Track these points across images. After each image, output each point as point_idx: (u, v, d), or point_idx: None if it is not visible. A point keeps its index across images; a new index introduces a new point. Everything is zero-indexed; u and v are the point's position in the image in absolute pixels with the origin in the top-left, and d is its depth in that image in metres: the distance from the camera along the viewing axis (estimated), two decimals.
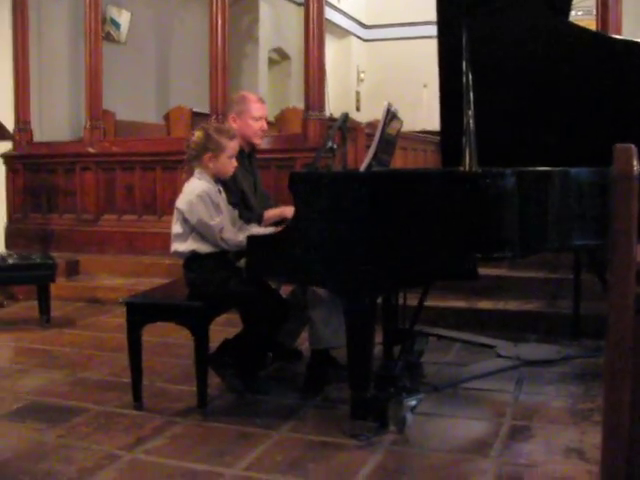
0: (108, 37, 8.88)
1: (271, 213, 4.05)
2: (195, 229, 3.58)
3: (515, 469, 2.88)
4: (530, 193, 3.16)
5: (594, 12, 6.21)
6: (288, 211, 3.82)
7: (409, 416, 3.32)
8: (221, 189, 3.73)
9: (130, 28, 9.38)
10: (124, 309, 3.70)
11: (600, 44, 3.94)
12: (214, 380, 3.79)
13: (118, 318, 5.20)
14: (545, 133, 3.96)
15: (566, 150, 3.76)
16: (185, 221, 3.60)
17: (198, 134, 3.69)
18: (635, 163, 1.30)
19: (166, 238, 3.88)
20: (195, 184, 3.64)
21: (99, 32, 7.62)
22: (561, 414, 3.49)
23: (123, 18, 9.30)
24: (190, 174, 3.72)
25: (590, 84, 3.88)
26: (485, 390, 3.86)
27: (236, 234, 3.57)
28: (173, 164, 6.75)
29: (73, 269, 6.94)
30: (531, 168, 3.27)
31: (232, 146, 3.69)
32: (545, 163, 3.34)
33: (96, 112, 7.53)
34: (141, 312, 3.68)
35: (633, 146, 1.32)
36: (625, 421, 1.32)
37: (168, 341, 4.85)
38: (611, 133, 3.32)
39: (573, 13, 4.47)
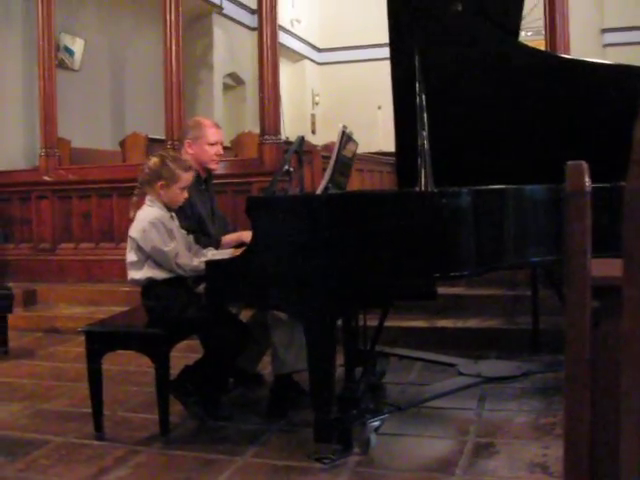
0: (62, 64, 8.83)
1: (229, 238, 4.04)
2: (150, 256, 3.56)
3: None
4: (486, 211, 3.19)
5: (543, 32, 6.31)
6: (246, 235, 3.81)
7: (373, 437, 3.31)
8: (174, 215, 3.71)
9: (84, 55, 9.35)
10: (83, 338, 3.65)
11: (551, 63, 4.00)
12: (176, 407, 3.76)
13: (77, 347, 5.14)
14: (500, 152, 4.00)
15: (521, 169, 3.80)
16: (139, 249, 3.57)
17: (155, 160, 3.67)
18: (587, 179, 1.32)
19: (124, 265, 3.84)
20: (147, 211, 3.62)
21: (52, 59, 7.58)
22: (524, 429, 3.51)
23: (77, 45, 9.27)
24: (141, 197, 3.69)
25: (542, 103, 3.93)
26: (448, 408, 3.87)
27: (191, 259, 3.55)
28: (129, 191, 6.62)
29: (30, 299, 6.85)
30: (486, 187, 3.30)
31: (186, 178, 3.67)
32: (501, 182, 3.37)
33: (51, 140, 7.48)
34: (100, 341, 3.64)
35: (584, 163, 1.34)
36: (586, 434, 1.33)
37: (129, 369, 4.80)
38: (564, 151, 3.38)
39: (523, 34, 4.53)
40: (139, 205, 3.70)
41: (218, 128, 4.16)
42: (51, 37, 7.50)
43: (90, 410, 3.64)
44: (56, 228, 7.36)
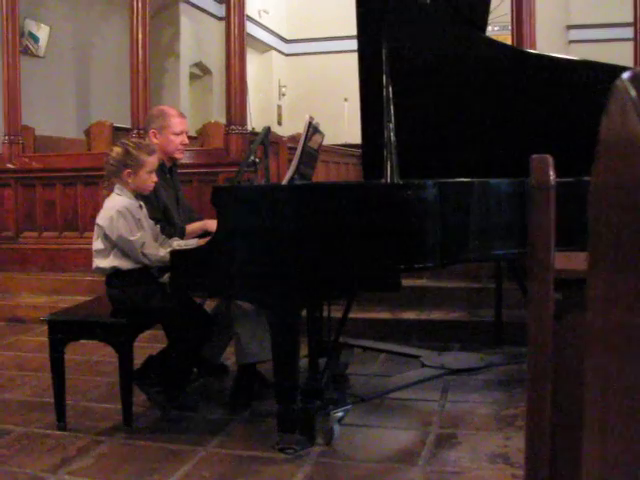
0: (26, 51, 8.71)
1: (193, 226, 4.01)
2: (116, 245, 3.53)
3: (442, 477, 2.91)
4: (451, 204, 3.20)
5: (510, 27, 6.35)
6: (210, 224, 3.81)
7: (336, 428, 3.32)
8: (142, 204, 3.68)
9: (49, 42, 9.23)
10: (46, 327, 3.61)
11: (517, 58, 4.03)
12: (139, 397, 3.74)
13: (40, 337, 5.09)
14: (465, 145, 4.02)
15: (488, 163, 3.82)
16: (106, 237, 3.54)
17: (117, 150, 3.64)
18: (551, 173, 1.32)
19: (88, 255, 3.81)
20: (115, 200, 3.59)
21: (17, 46, 7.47)
22: (486, 421, 3.53)
23: (42, 32, 9.15)
24: (110, 190, 3.66)
25: (508, 98, 3.96)
26: (411, 400, 3.89)
27: (158, 249, 3.53)
28: (94, 180, 6.65)
29: None
30: (452, 179, 3.31)
31: (151, 161, 3.65)
32: (466, 175, 3.39)
33: (15, 127, 7.38)
34: (63, 330, 3.60)
35: (549, 156, 1.34)
36: (547, 426, 1.34)
37: (92, 359, 4.76)
38: (529, 144, 3.40)
39: (490, 29, 4.55)
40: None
41: (183, 117, 4.13)
42: (15, 23, 7.39)
43: (52, 400, 3.60)
44: (19, 216, 7.27)
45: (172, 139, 4.03)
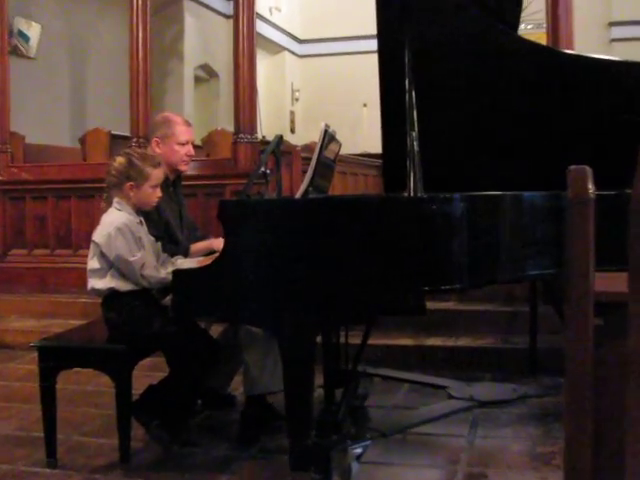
0: (16, 51, 8.79)
1: (199, 246, 4.03)
2: (114, 265, 3.54)
3: None
4: (480, 220, 3.19)
5: (544, 25, 6.35)
6: (217, 243, 3.81)
7: (355, 465, 3.31)
8: (142, 220, 3.69)
9: (40, 42, 9.31)
10: (36, 354, 3.62)
11: (552, 59, 4.02)
12: (138, 431, 3.73)
13: (29, 365, 5.10)
14: (496, 155, 4.01)
15: (520, 175, 3.81)
16: (102, 256, 3.55)
17: (119, 160, 3.66)
18: (590, 186, 1.32)
19: (82, 274, 3.82)
20: (114, 215, 3.60)
21: (5, 46, 7.54)
22: (520, 458, 3.51)
23: (32, 31, 9.24)
24: (109, 204, 3.67)
25: (542, 103, 3.95)
26: (437, 435, 3.87)
27: (158, 270, 3.54)
28: (90, 192, 6.69)
29: None
30: (481, 193, 3.30)
31: (156, 175, 3.66)
32: (498, 188, 3.38)
33: (3, 134, 7.44)
34: (55, 357, 3.61)
35: (588, 168, 1.34)
36: (587, 465, 1.33)
37: (86, 389, 4.77)
38: (566, 154, 3.39)
39: (522, 26, 4.55)
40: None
41: (189, 126, 4.15)
42: (4, 21, 7.47)
43: (42, 434, 3.61)
44: (7, 232, 7.31)
45: (176, 149, 4.04)
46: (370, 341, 4.02)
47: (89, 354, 3.62)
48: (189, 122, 4.20)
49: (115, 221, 3.55)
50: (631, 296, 0.91)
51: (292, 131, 14.66)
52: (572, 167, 1.35)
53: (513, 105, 3.97)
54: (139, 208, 3.68)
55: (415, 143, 3.21)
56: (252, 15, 6.70)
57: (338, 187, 7.27)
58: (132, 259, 3.49)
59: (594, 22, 12.05)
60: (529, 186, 3.43)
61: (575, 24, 6.20)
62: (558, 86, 3.93)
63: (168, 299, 3.47)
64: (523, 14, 4.23)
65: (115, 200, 3.64)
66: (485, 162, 3.99)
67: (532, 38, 4.28)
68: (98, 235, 3.58)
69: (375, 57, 3.88)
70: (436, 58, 3.83)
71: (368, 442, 3.53)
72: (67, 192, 7.11)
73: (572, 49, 5.89)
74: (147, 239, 3.65)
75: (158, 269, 3.55)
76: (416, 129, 3.23)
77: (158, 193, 3.69)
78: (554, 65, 3.95)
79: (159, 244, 3.75)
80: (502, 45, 3.92)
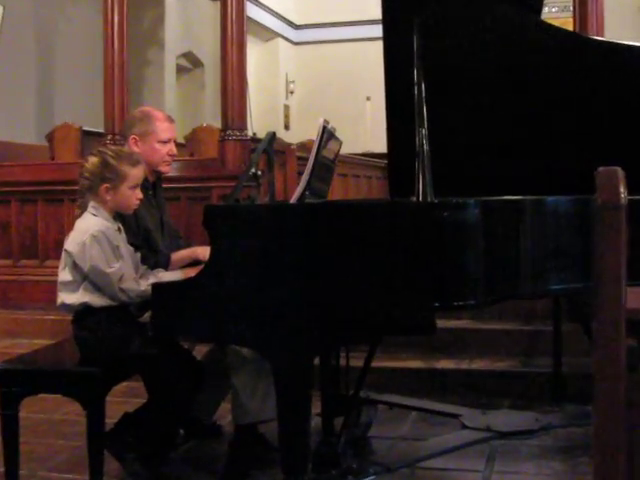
0: None
1: (181, 254, 4.02)
2: (88, 277, 3.54)
3: None
4: (498, 228, 3.19)
5: (571, 9, 6.35)
6: (201, 251, 3.81)
7: None
8: (121, 227, 3.69)
9: (2, 25, 9.30)
10: None
11: (579, 47, 4.03)
12: (112, 466, 3.73)
13: None
14: (515, 154, 4.02)
15: (542, 175, 3.82)
16: (75, 267, 3.54)
17: (92, 160, 3.64)
18: (622, 189, 1.32)
19: (50, 288, 3.83)
20: (89, 222, 3.59)
21: None
22: None
23: None
24: (84, 209, 3.66)
25: (567, 95, 3.96)
26: (449, 470, 3.87)
27: (138, 283, 3.53)
28: (59, 196, 6.69)
29: None
30: (499, 197, 3.31)
31: (135, 174, 3.65)
32: (516, 192, 3.38)
33: None
34: (19, 382, 3.60)
35: (619, 169, 1.34)
36: None
37: (53, 418, 4.77)
38: (594, 154, 3.39)
39: (546, 10, 4.56)
40: None
41: (171, 122, 4.15)
42: None
43: (2, 469, 3.60)
44: None
45: (157, 148, 4.05)
46: (374, 363, 4.02)
47: (57, 378, 3.61)
48: (171, 118, 4.20)
49: (90, 228, 3.54)
50: None
51: (286, 127, 14.68)
52: (601, 168, 1.35)
53: (535, 98, 3.98)
54: (118, 213, 3.67)
55: (425, 141, 3.21)
56: None
57: (338, 191, 7.28)
58: (109, 270, 3.48)
59: (626, 6, 12.05)
60: (553, 189, 3.43)
61: (605, 7, 6.19)
62: (586, 76, 3.93)
63: (147, 316, 3.46)
64: None
65: (90, 204, 3.62)
66: (503, 162, 3.99)
67: (556, 23, 4.29)
68: (71, 243, 3.57)
69: (380, 44, 3.89)
70: (447, 45, 3.84)
71: (371, 477, 3.53)
72: (33, 195, 7.09)
73: (602, 36, 5.90)
74: (126, 248, 3.64)
75: (138, 281, 3.54)
76: (426, 125, 3.23)
77: (138, 194, 3.68)
78: (581, 53, 3.96)
79: (138, 254, 3.75)
80: (521, 31, 3.93)
